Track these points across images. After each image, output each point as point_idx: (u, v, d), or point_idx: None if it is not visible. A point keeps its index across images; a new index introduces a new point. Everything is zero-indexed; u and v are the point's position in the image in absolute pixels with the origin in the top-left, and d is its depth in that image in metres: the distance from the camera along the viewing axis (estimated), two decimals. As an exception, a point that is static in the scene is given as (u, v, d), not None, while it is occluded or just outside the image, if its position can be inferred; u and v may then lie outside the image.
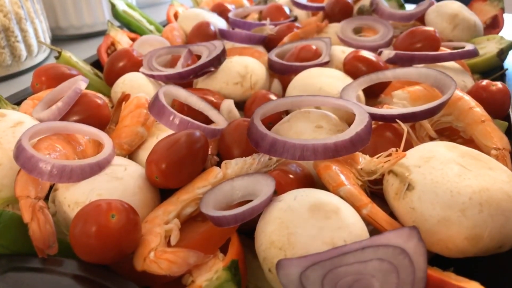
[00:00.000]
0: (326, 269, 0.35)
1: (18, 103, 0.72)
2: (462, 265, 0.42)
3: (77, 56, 0.85)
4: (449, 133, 0.60)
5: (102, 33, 1.30)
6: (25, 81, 1.05)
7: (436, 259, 0.42)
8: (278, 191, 0.45)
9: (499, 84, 0.65)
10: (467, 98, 0.59)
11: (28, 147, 0.47)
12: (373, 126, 0.53)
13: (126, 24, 1.05)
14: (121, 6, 1.05)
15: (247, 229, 0.49)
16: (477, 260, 0.43)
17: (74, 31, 1.35)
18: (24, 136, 0.49)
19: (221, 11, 1.09)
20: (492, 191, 0.40)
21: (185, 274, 0.44)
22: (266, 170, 0.52)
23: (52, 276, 0.41)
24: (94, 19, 1.34)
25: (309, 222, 0.40)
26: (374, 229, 0.44)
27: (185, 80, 0.72)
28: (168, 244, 0.44)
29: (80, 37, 1.36)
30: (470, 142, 0.57)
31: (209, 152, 0.56)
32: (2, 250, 0.44)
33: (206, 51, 0.76)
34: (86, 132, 0.56)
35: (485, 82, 0.66)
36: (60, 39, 1.35)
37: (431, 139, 0.58)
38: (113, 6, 1.03)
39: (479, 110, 0.58)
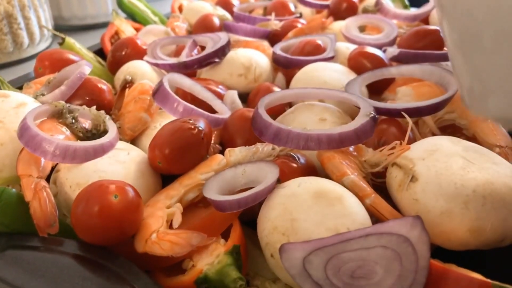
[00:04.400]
0: (330, 255, 0.36)
1: (20, 88, 0.71)
2: (463, 261, 0.42)
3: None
4: (451, 131, 0.60)
5: (104, 25, 1.29)
6: (26, 69, 1.03)
7: (437, 255, 0.42)
8: (281, 180, 0.45)
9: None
10: (471, 96, 0.59)
11: (33, 126, 0.47)
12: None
13: (131, 14, 1.05)
14: (126, -5, 1.05)
15: (247, 219, 0.49)
16: (478, 256, 0.43)
17: (77, 21, 1.34)
18: (29, 115, 0.49)
19: (226, 5, 1.09)
20: (496, 184, 0.41)
21: (185, 258, 0.44)
22: (269, 160, 0.52)
23: (52, 255, 0.41)
24: (97, 10, 1.33)
25: (313, 208, 0.40)
26: (377, 221, 0.44)
27: (189, 70, 0.72)
28: (170, 228, 0.44)
29: (83, 28, 1.35)
30: (473, 139, 0.57)
31: (212, 141, 0.56)
32: (2, 228, 0.44)
33: (211, 42, 0.76)
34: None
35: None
36: (62, 29, 1.35)
37: (434, 136, 0.59)
38: (119, -4, 1.03)
39: (482, 108, 0.58)
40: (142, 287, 0.38)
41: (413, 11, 0.97)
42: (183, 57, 0.73)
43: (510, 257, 0.45)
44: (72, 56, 0.73)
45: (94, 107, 0.55)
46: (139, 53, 0.77)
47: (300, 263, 0.36)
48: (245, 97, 0.71)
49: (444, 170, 0.42)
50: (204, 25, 0.92)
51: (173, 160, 0.49)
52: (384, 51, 0.74)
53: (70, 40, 0.82)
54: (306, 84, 0.66)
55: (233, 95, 0.68)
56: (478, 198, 0.40)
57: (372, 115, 0.50)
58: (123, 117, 0.59)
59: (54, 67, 0.69)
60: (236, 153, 0.50)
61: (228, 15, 1.03)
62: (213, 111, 0.63)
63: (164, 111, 0.59)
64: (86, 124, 0.55)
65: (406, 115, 0.52)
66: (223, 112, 0.63)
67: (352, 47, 0.77)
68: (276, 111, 0.61)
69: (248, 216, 0.47)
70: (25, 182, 0.45)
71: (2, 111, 0.53)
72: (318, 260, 0.35)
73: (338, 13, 0.98)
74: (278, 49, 0.78)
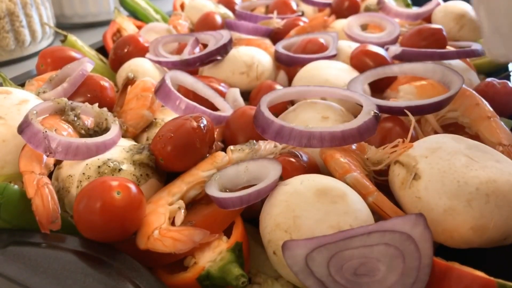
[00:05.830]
0: (332, 252, 0.35)
1: (22, 85, 0.71)
2: (465, 259, 0.42)
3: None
4: (454, 129, 0.60)
5: (106, 23, 1.29)
6: (28, 67, 1.04)
7: (439, 253, 0.42)
8: (283, 177, 0.45)
9: (505, 83, 0.65)
10: (474, 94, 0.59)
11: (35, 122, 0.47)
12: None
13: (133, 11, 1.05)
14: (128, -7, 1.05)
15: (249, 216, 0.49)
16: (480, 254, 0.43)
17: (79, 19, 1.34)
18: (31, 112, 0.48)
19: (228, 3, 1.09)
20: (499, 182, 0.40)
21: (187, 255, 0.44)
22: (271, 157, 0.52)
23: (54, 251, 0.41)
24: (99, 8, 1.33)
25: (315, 206, 0.40)
26: (379, 219, 0.44)
27: (191, 68, 0.72)
28: (173, 225, 0.44)
29: (84, 25, 1.36)
30: (475, 138, 0.57)
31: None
32: (4, 225, 0.44)
33: (213, 39, 0.76)
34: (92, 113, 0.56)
35: (491, 80, 0.66)
36: (64, 27, 1.34)
37: (437, 134, 0.58)
38: (120, -7, 1.03)
39: (485, 106, 0.57)
40: (144, 284, 0.38)
41: (415, 9, 0.97)
42: (185, 55, 0.73)
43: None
44: (74, 54, 0.73)
45: (97, 104, 0.55)
46: (141, 51, 0.77)
47: (302, 260, 0.35)
48: (247, 95, 0.71)
49: (447, 168, 0.42)
50: (206, 23, 0.92)
51: (175, 158, 0.49)
52: (386, 50, 0.74)
53: (72, 37, 0.81)
54: (308, 82, 0.66)
55: (235, 93, 0.67)
56: (481, 196, 0.40)
57: (375, 113, 0.50)
58: (125, 115, 0.59)
59: (56, 64, 0.70)
60: (238, 150, 0.50)
61: (230, 13, 1.03)
62: (215, 108, 0.63)
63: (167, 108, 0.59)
64: (88, 121, 0.55)
65: (408, 113, 0.51)
66: (225, 110, 0.63)
67: (354, 45, 0.77)
68: (278, 109, 0.61)
69: (251, 213, 0.47)
70: (27, 179, 0.45)
71: (4, 107, 0.53)
72: (320, 257, 0.35)
73: (340, 12, 0.98)
74: (280, 47, 0.78)
